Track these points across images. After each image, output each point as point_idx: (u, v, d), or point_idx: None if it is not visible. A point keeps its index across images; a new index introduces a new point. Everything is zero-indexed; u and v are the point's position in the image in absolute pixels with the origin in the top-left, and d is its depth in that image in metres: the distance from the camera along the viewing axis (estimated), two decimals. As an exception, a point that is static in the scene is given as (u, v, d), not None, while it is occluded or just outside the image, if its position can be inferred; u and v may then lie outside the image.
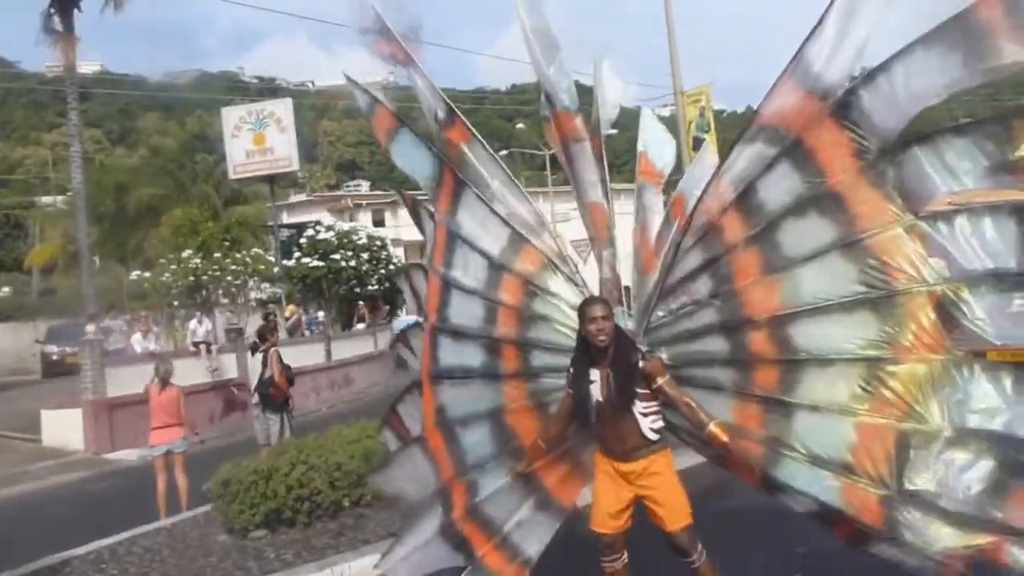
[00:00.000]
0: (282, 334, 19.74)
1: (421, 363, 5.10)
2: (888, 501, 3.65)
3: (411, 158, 4.92)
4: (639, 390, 4.17)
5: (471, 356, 4.81)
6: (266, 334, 10.45)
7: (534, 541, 4.72)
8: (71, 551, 7.09)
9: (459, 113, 4.74)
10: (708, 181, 4.18)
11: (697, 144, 16.98)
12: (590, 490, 4.58)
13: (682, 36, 18.72)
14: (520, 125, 45.70)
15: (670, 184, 5.75)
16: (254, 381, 10.46)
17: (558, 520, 4.74)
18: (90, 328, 15.85)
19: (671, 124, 16.52)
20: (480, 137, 4.77)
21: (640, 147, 5.77)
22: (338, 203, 49.68)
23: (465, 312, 4.81)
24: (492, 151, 4.82)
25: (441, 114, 4.74)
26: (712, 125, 19.99)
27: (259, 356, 10.16)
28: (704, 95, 20.13)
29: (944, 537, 3.52)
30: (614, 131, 5.23)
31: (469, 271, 4.78)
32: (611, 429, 4.29)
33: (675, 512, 4.23)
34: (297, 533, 6.95)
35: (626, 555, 4.43)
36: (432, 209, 5.01)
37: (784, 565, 5.20)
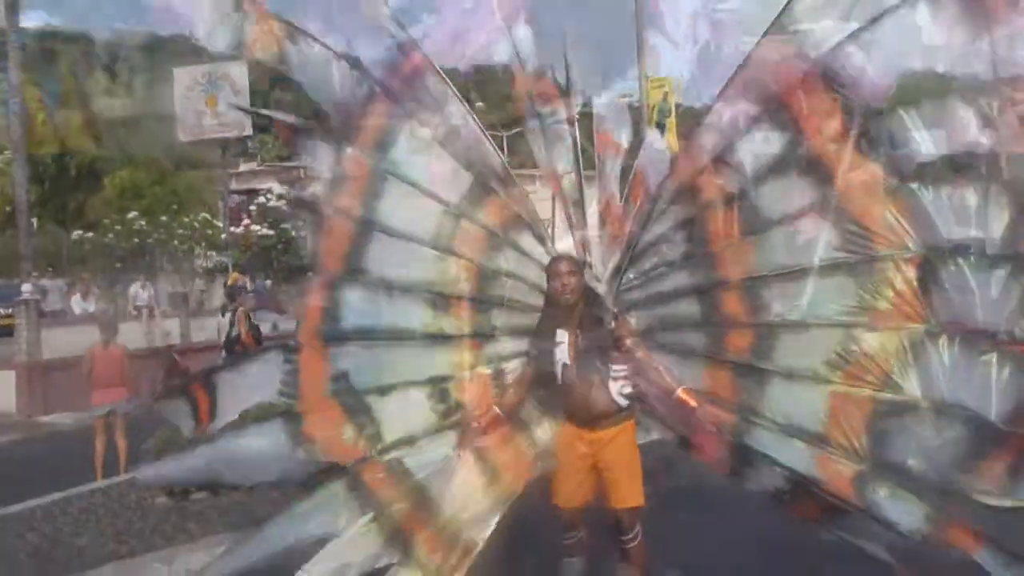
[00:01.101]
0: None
1: (302, 324, 4.23)
2: (860, 475, 3.59)
3: (315, 76, 4.07)
4: (609, 352, 4.00)
5: (400, 314, 4.18)
6: (236, 294, 10.32)
7: (479, 523, 4.04)
8: (0, 509, 6.80)
9: (415, 41, 4.12)
10: (688, 139, 4.07)
11: (660, 131, 17.02)
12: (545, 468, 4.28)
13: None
14: (479, 104, 45.16)
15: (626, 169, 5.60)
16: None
17: (505, 500, 4.11)
18: (26, 288, 15.30)
19: (635, 113, 16.49)
20: (441, 72, 4.19)
21: (596, 123, 5.64)
22: (290, 174, 48.71)
23: (396, 261, 4.16)
24: (456, 90, 4.21)
25: (395, 35, 4.10)
26: (674, 111, 20.11)
27: (228, 316, 10.00)
28: (668, 84, 20.19)
29: (912, 516, 3.47)
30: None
31: (407, 215, 4.16)
32: (578, 395, 4.04)
33: (630, 490, 4.08)
34: (241, 496, 6.69)
35: (582, 532, 4.23)
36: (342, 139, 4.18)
37: (737, 547, 5.13)
